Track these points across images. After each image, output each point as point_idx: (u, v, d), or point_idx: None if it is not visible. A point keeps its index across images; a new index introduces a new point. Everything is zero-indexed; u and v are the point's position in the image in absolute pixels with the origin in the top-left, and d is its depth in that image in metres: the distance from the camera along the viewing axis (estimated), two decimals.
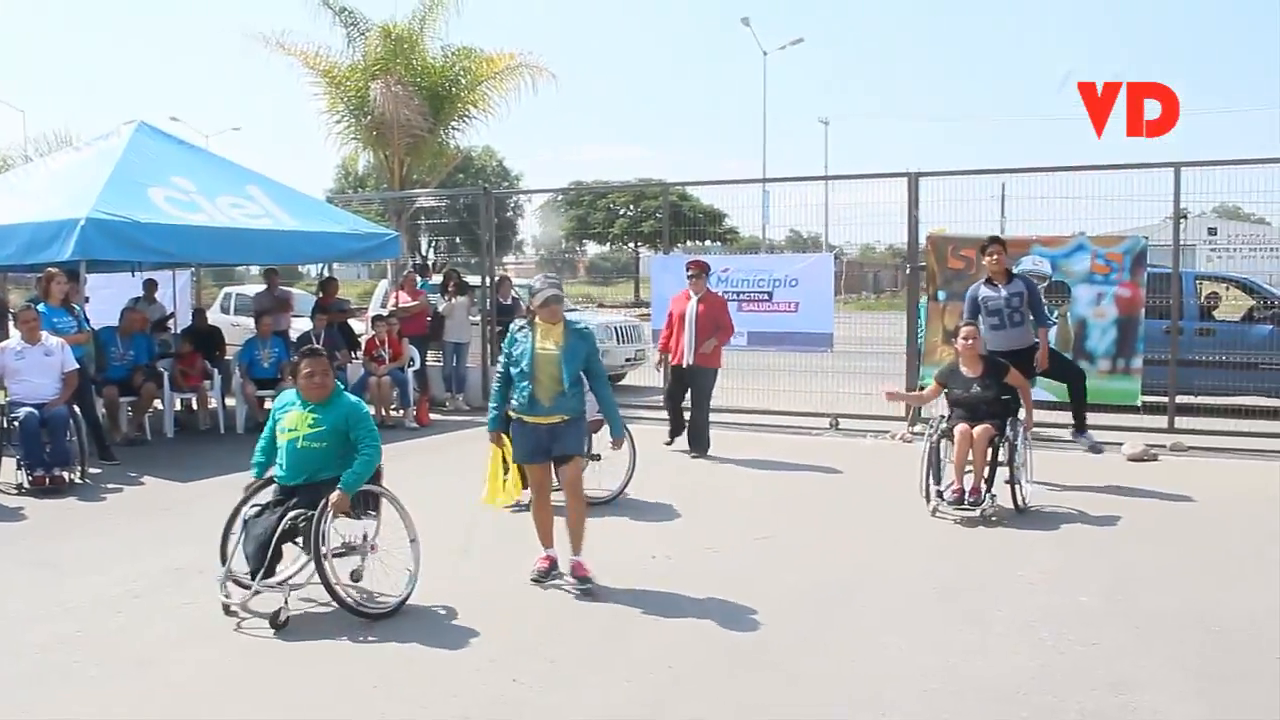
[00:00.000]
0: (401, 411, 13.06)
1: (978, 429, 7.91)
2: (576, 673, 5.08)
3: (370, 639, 5.46)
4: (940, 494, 8.01)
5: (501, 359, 6.53)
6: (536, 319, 6.36)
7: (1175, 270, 11.59)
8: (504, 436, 6.58)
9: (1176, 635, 5.52)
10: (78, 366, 9.89)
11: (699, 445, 10.63)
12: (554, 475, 6.54)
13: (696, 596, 6.14)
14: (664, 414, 11.87)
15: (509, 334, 6.50)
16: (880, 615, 5.88)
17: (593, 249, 60.27)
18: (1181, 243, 11.88)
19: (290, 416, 6.00)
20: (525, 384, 6.28)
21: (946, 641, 5.45)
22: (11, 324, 10.55)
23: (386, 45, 18.42)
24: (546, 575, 6.43)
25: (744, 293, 12.54)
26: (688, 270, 10.80)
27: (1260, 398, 12.35)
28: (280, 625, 5.55)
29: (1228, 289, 14.58)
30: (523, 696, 4.80)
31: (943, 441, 8.14)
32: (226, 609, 5.71)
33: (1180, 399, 11.41)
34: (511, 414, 6.43)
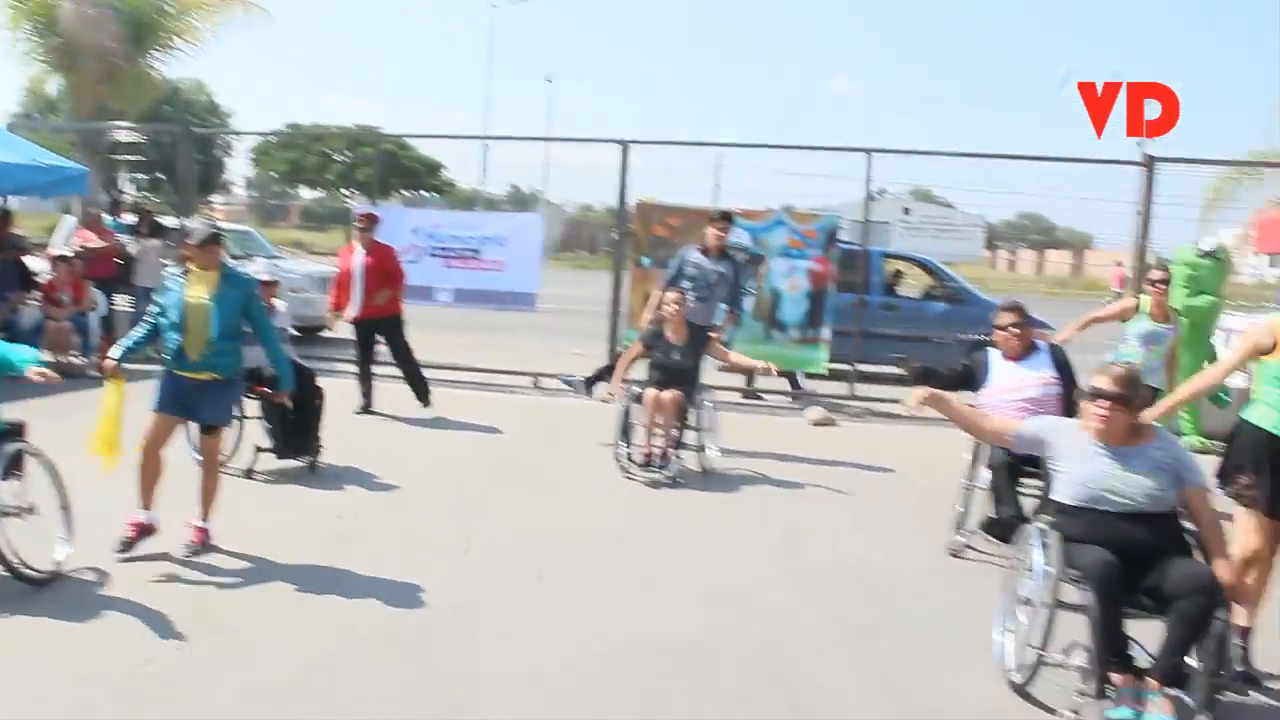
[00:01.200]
0: (84, 360, 12.19)
1: (667, 394, 8.12)
2: (267, 633, 4.90)
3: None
4: (629, 456, 8.19)
5: (151, 307, 6.02)
6: (190, 264, 5.90)
7: (864, 248, 12.32)
8: (120, 374, 5.90)
9: (834, 592, 5.87)
10: None
11: (421, 395, 10.46)
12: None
13: (379, 559, 6.03)
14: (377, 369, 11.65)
15: (161, 281, 6.07)
16: (559, 576, 5.95)
17: (307, 194, 58.31)
18: (878, 220, 12.61)
19: None
20: (174, 335, 5.79)
21: (621, 601, 5.57)
22: None
23: None
24: (134, 544, 5.78)
25: (451, 250, 12.38)
26: (356, 223, 10.51)
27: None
28: None
29: (909, 267, 15.63)
30: (165, 682, 4.58)
31: (633, 405, 8.31)
32: None
33: (861, 367, 12.10)
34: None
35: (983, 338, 12.83)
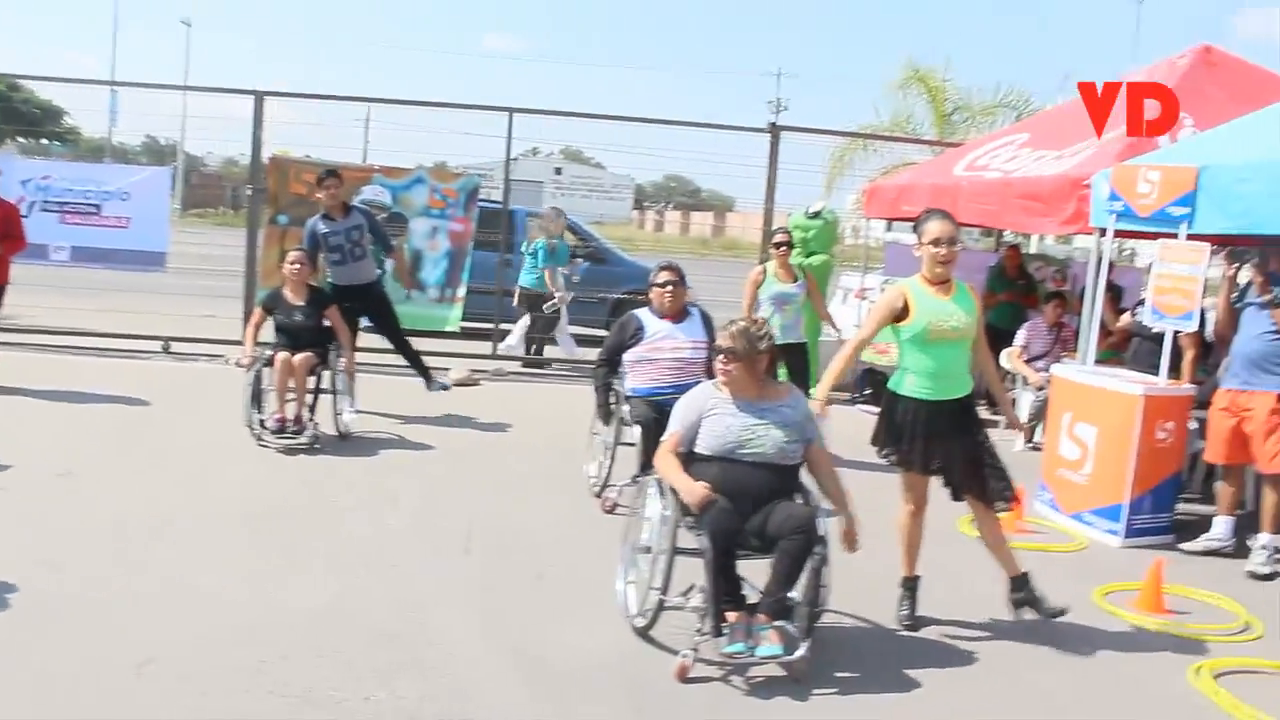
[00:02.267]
0: None
1: (298, 357, 7.93)
2: None
3: None
4: (263, 423, 7.94)
5: None
6: None
7: (505, 208, 12.44)
8: None
9: (472, 554, 5.96)
10: None
11: None
12: None
13: None
14: None
15: None
16: (193, 549, 5.71)
17: None
18: (530, 179, 12.76)
19: None
20: None
21: (258, 570, 5.42)
22: None
23: None
24: None
25: (68, 204, 11.46)
26: None
27: (576, 327, 13.66)
28: None
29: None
30: None
31: (265, 369, 8.06)
32: None
33: (504, 326, 12.24)
34: None
35: (626, 296, 13.43)
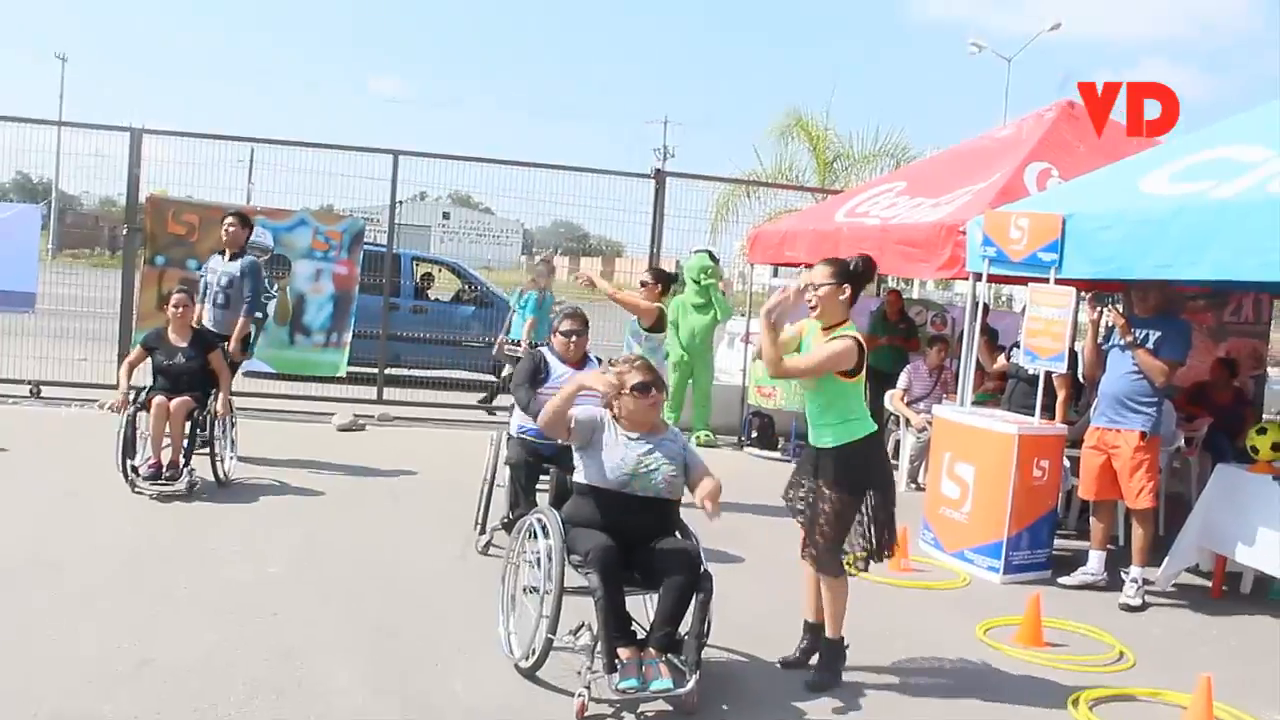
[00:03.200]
0: None
1: (175, 401, 7.72)
2: None
3: None
4: (135, 469, 7.70)
5: None
6: None
7: (390, 251, 12.34)
8: None
9: (354, 595, 5.85)
10: None
11: None
12: None
13: None
14: None
15: None
16: (63, 597, 5.49)
17: None
18: (417, 223, 12.70)
19: None
20: None
21: (125, 622, 5.22)
22: None
23: None
24: None
25: None
26: None
27: (462, 372, 13.61)
28: None
29: (440, 271, 15.84)
30: None
31: (140, 414, 7.82)
32: None
33: (390, 371, 12.10)
34: None
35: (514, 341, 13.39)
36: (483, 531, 6.90)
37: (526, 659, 4.79)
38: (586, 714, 4.45)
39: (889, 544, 5.10)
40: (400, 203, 12.46)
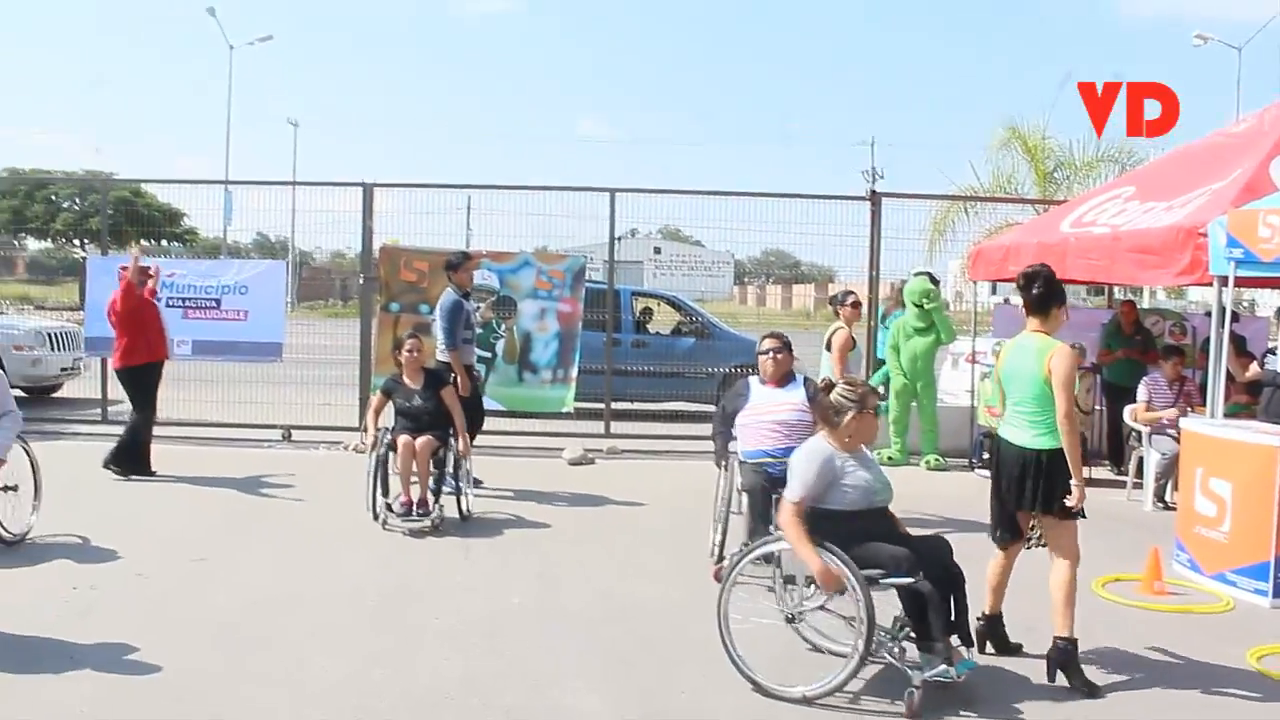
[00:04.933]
0: None
1: (419, 440, 8.05)
2: None
3: None
4: (389, 506, 8.05)
5: None
6: None
7: (610, 287, 12.57)
8: None
9: (597, 629, 5.93)
10: None
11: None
12: None
13: (124, 627, 5.71)
14: (101, 430, 11.14)
15: None
16: (318, 631, 5.79)
17: (34, 245, 54.64)
18: (629, 259, 12.94)
19: None
20: None
21: (383, 653, 5.47)
22: None
23: None
24: None
25: (190, 299, 11.90)
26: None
27: (684, 403, 13.72)
28: None
29: (659, 305, 16.02)
30: None
31: (390, 454, 8.19)
32: None
33: (616, 405, 12.30)
34: None
35: (738, 369, 13.45)
36: (720, 560, 6.92)
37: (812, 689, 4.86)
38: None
39: None
40: (622, 237, 12.71)
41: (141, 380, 9.71)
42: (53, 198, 49.16)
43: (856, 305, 8.55)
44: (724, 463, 7.08)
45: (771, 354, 6.96)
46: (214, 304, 11.96)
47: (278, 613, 6.08)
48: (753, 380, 7.05)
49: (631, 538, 8.05)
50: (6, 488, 7.04)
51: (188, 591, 6.43)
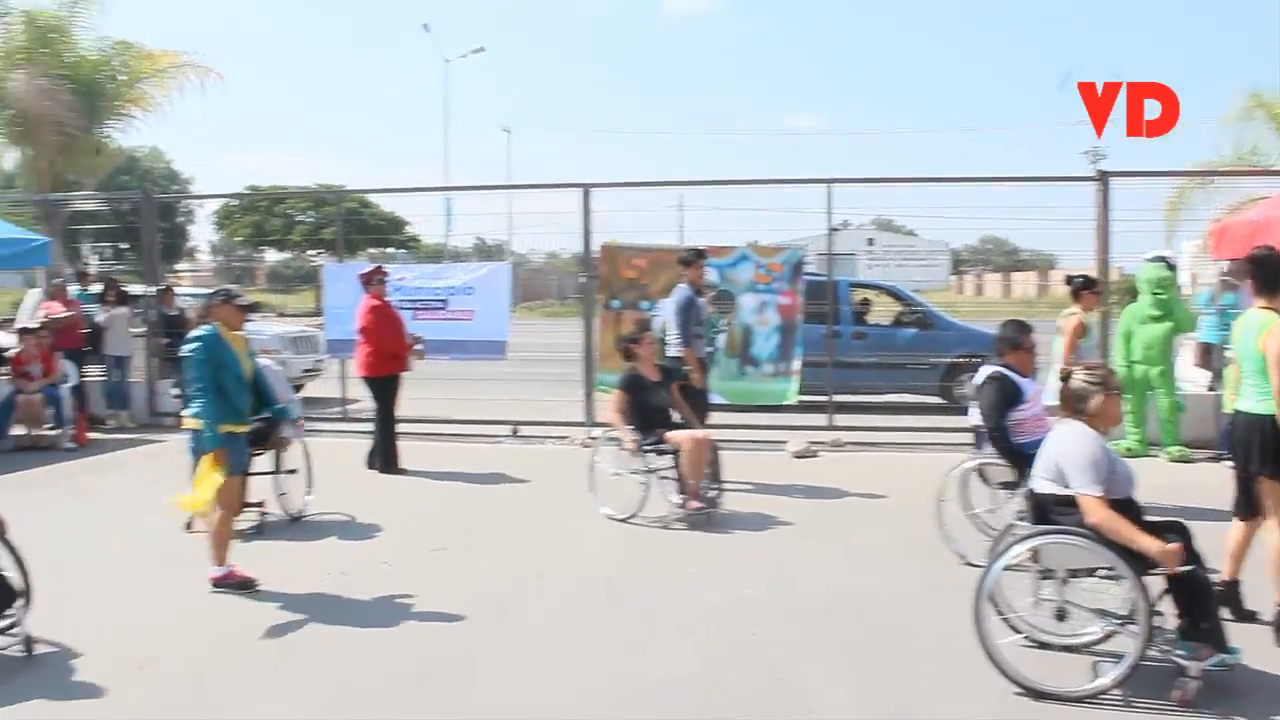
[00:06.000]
0: (57, 431, 12.10)
1: (700, 434, 8.14)
2: (243, 699, 4.86)
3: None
4: (681, 504, 8.10)
5: (204, 369, 6.25)
6: (221, 324, 6.38)
7: (830, 279, 12.41)
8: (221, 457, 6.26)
9: (831, 621, 5.85)
10: None
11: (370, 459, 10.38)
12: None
13: (370, 612, 6.03)
14: (342, 427, 11.68)
15: (203, 342, 6.29)
16: (554, 620, 5.93)
17: (272, 256, 58.03)
18: (842, 252, 12.74)
19: None
20: (243, 393, 6.40)
21: (614, 641, 5.56)
22: None
23: (31, 33, 17.08)
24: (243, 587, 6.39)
25: (419, 301, 12.36)
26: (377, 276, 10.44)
27: (906, 394, 13.44)
28: None
29: (878, 295, 15.72)
30: None
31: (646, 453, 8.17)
32: None
33: (838, 398, 12.13)
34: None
35: (959, 360, 13.12)
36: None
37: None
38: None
39: None
40: (835, 229, 12.52)
41: (381, 389, 10.21)
42: (289, 212, 52.06)
43: (1096, 291, 8.21)
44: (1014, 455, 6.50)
45: (1032, 351, 6.82)
46: (441, 304, 12.39)
47: (513, 602, 6.25)
48: (1011, 375, 6.67)
49: (863, 530, 7.91)
50: (290, 471, 8.07)
51: (429, 580, 6.67)
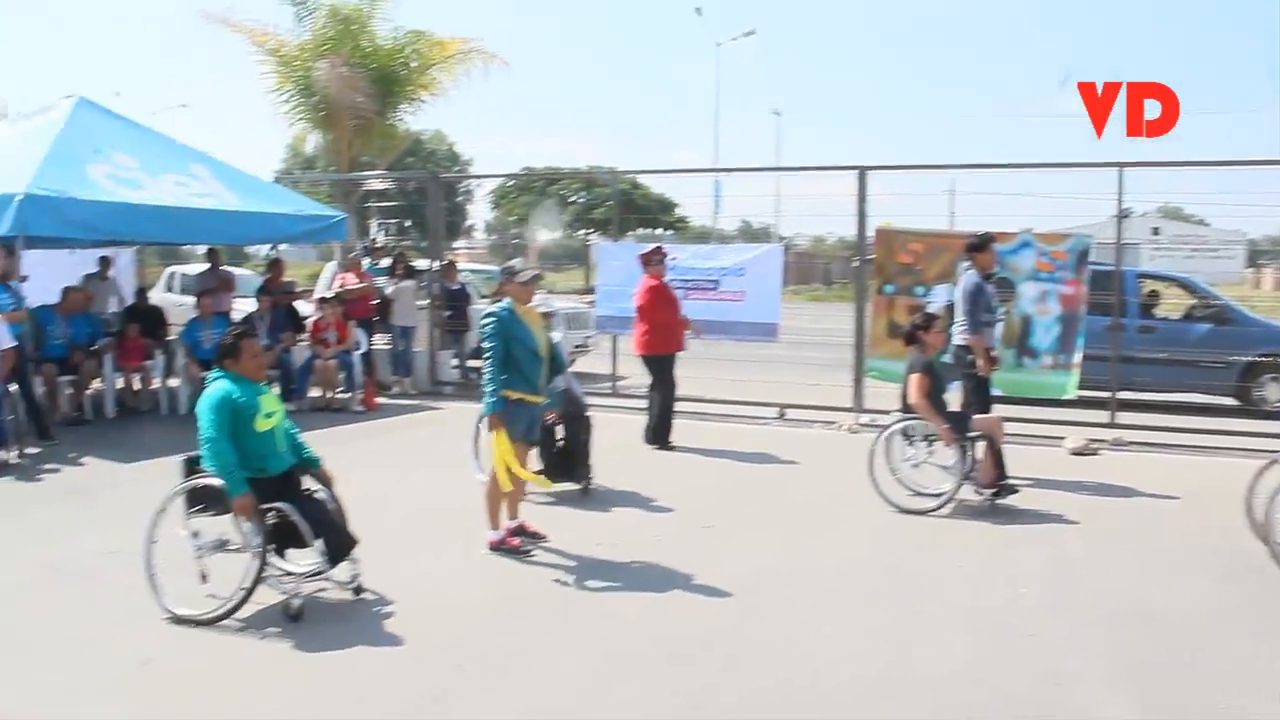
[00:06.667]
0: (348, 395, 12.96)
1: (993, 415, 8.11)
2: (519, 659, 5.07)
3: (308, 632, 5.41)
4: (990, 490, 8.08)
5: (496, 341, 6.57)
6: (513, 300, 6.65)
7: (1118, 268, 11.79)
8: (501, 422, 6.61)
9: (1113, 627, 5.59)
10: (15, 344, 9.71)
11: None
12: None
13: (640, 585, 6.18)
14: (612, 403, 11.98)
15: (495, 316, 6.61)
16: (819, 604, 5.91)
17: (544, 235, 60.07)
18: (1125, 241, 12.08)
19: (266, 401, 5.71)
20: (536, 365, 6.64)
21: (884, 630, 5.49)
22: None
23: (335, 25, 18.25)
24: (521, 548, 6.74)
25: (691, 281, 12.49)
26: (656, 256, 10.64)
27: (1197, 394, 12.65)
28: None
29: (1168, 287, 14.83)
30: (465, 682, 4.80)
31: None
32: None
33: (1121, 394, 11.53)
34: (510, 394, 6.60)
35: (1261, 359, 12.27)
36: None
37: None
38: None
39: None
40: (1123, 217, 11.86)
41: (655, 366, 10.43)
42: (561, 193, 53.74)
43: None
44: None
45: None
46: (713, 285, 12.49)
47: (779, 584, 6.27)
48: None
49: (1151, 534, 7.49)
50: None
51: (697, 557, 6.75)
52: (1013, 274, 11.17)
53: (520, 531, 6.85)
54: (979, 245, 8.97)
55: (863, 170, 12.06)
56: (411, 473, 9.26)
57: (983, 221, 12.01)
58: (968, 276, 8.86)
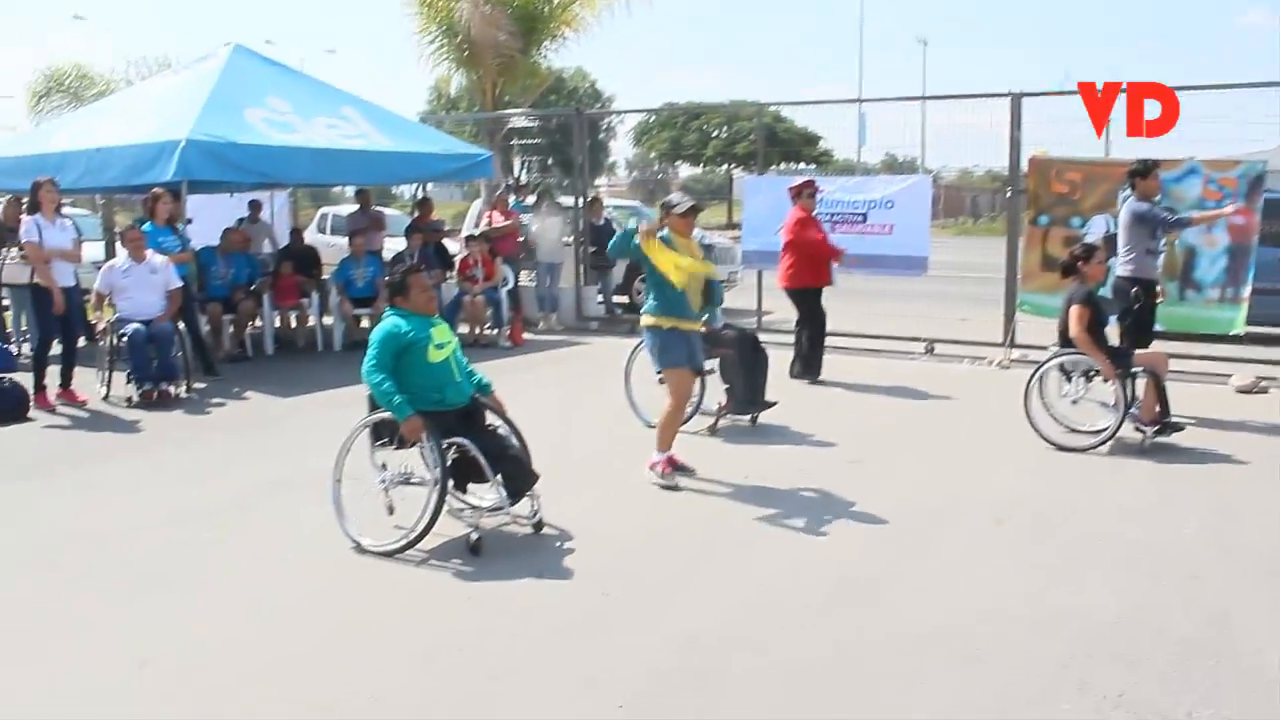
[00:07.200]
0: (495, 331, 13.20)
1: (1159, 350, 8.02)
2: (666, 591, 5.12)
3: (464, 557, 5.56)
4: (1148, 428, 7.80)
5: (651, 272, 6.74)
6: (670, 230, 6.73)
7: None
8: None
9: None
10: (181, 284, 10.14)
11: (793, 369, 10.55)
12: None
13: (784, 518, 6.17)
14: (763, 337, 11.97)
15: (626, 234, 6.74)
16: (972, 542, 5.82)
17: (685, 171, 59.92)
18: None
19: (438, 332, 5.81)
20: (679, 291, 6.67)
21: (1039, 567, 5.39)
22: (119, 243, 10.83)
23: None
24: (675, 475, 6.87)
25: (838, 214, 12.28)
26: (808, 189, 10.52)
27: None
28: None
29: None
30: (609, 609, 4.87)
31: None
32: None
33: None
34: (656, 321, 6.79)
35: None
36: None
37: None
38: None
39: None
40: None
41: (802, 300, 10.34)
42: (703, 127, 53.38)
43: None
44: None
45: None
46: (860, 218, 12.27)
47: (930, 520, 6.19)
48: None
49: None
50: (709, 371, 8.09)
51: (845, 492, 6.71)
52: (1177, 203, 10.67)
53: (670, 464, 6.91)
54: (1142, 171, 8.61)
55: (1016, 97, 11.63)
56: (559, 408, 9.38)
57: (1139, 149, 11.41)
58: (1130, 205, 8.53)
